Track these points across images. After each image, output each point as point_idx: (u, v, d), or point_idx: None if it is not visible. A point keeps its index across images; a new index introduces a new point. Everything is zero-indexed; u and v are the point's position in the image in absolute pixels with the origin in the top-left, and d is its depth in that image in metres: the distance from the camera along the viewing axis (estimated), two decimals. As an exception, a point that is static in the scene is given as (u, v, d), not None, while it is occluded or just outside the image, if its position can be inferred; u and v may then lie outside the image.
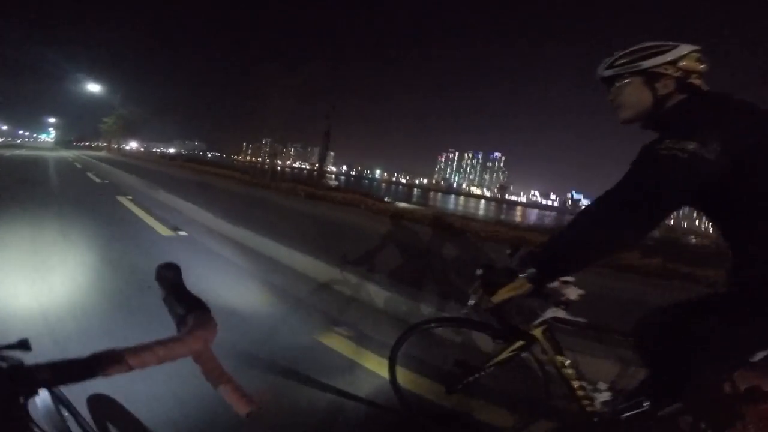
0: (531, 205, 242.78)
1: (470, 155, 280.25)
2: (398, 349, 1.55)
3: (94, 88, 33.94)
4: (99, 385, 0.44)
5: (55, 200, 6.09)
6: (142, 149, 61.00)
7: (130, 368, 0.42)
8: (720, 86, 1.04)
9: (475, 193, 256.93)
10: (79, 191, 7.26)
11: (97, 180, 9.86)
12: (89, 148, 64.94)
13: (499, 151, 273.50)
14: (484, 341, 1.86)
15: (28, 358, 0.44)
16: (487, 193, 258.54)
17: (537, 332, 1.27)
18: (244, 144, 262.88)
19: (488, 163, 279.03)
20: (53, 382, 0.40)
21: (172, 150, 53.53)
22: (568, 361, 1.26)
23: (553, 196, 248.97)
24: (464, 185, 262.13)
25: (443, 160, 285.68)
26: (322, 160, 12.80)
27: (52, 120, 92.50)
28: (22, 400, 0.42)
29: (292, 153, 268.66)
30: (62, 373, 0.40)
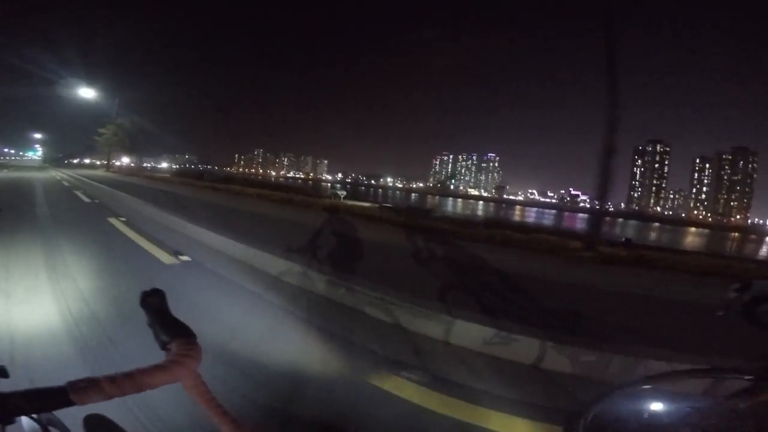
0: (530, 203, 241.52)
1: (464, 157, 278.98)
2: (587, 414, 1.34)
3: (86, 93, 28.70)
4: (100, 405, 0.43)
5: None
6: (132, 165, 55.01)
7: (109, 396, 0.41)
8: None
9: (472, 194, 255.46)
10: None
11: (167, 258, 4.70)
12: (81, 165, 58.47)
13: (493, 152, 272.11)
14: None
15: (5, 385, 0.44)
16: (485, 194, 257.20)
17: None
18: (236, 155, 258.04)
19: (483, 164, 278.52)
20: (28, 411, 0.39)
21: (164, 165, 48.20)
22: None
23: (551, 194, 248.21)
24: (461, 187, 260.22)
25: (438, 163, 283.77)
26: (604, 192, 7.31)
27: (38, 136, 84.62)
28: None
29: (285, 163, 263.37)
30: (37, 401, 0.39)
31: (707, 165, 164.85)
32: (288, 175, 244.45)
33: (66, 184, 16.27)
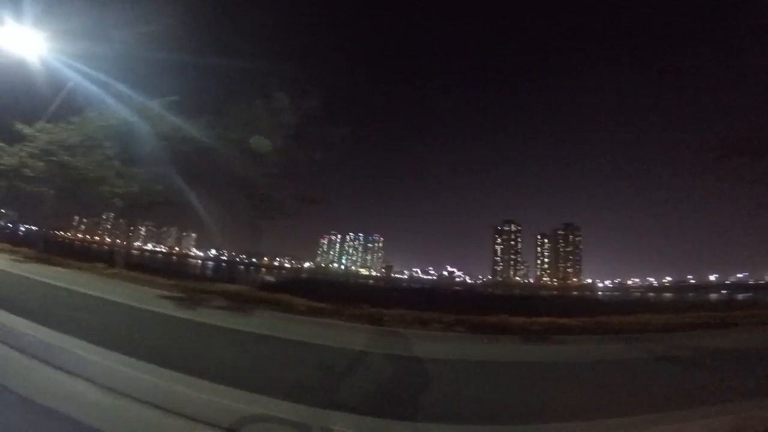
0: (415, 281, 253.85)
1: (352, 237, 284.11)
2: None
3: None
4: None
5: None
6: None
7: None
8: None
9: (363, 273, 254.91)
10: None
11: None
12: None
13: (377, 233, 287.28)
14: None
15: None
16: (375, 273, 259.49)
17: None
18: (77, 218, 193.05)
19: (369, 245, 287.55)
20: None
21: None
22: None
23: (432, 271, 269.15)
24: (351, 266, 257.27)
25: (326, 242, 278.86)
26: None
27: None
28: None
29: (142, 233, 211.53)
30: None
31: (546, 240, 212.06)
32: (145, 247, 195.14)
33: None
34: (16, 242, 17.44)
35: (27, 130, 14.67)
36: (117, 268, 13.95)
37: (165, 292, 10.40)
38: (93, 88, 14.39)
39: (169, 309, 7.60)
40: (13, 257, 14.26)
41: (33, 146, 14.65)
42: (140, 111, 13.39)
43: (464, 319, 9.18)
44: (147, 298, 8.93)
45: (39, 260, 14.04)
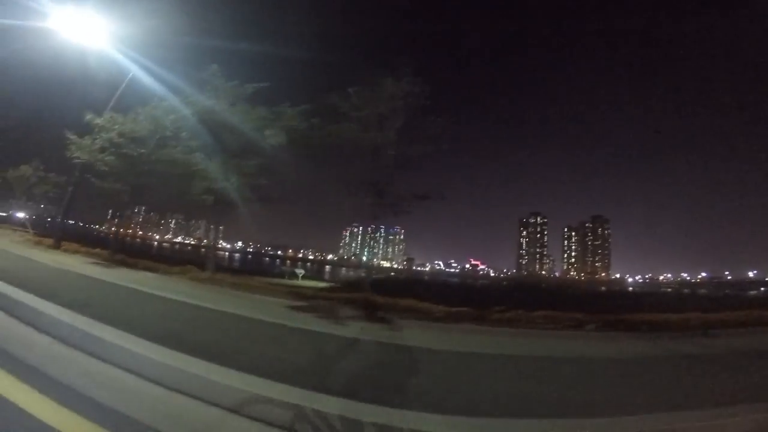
0: (437, 273, 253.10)
1: (373, 229, 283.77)
2: None
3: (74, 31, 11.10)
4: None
5: None
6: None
7: None
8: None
9: (384, 266, 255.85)
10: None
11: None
12: None
13: (398, 225, 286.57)
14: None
15: None
16: (396, 266, 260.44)
17: None
18: (110, 211, 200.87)
19: (390, 237, 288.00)
20: None
21: (21, 214, 22.92)
22: None
23: (454, 264, 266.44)
24: (373, 259, 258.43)
25: (348, 235, 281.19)
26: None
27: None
28: None
29: (172, 225, 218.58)
30: None
31: (573, 233, 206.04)
32: (175, 240, 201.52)
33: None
34: (72, 239, 16.72)
35: (99, 120, 13.61)
36: (209, 271, 13.27)
37: (285, 301, 9.59)
38: (168, 76, 13.63)
39: (321, 326, 6.70)
40: (92, 260, 13.34)
41: (106, 138, 13.58)
42: (225, 99, 12.54)
43: (619, 319, 8.86)
44: (278, 311, 8.04)
45: (121, 263, 13.17)
